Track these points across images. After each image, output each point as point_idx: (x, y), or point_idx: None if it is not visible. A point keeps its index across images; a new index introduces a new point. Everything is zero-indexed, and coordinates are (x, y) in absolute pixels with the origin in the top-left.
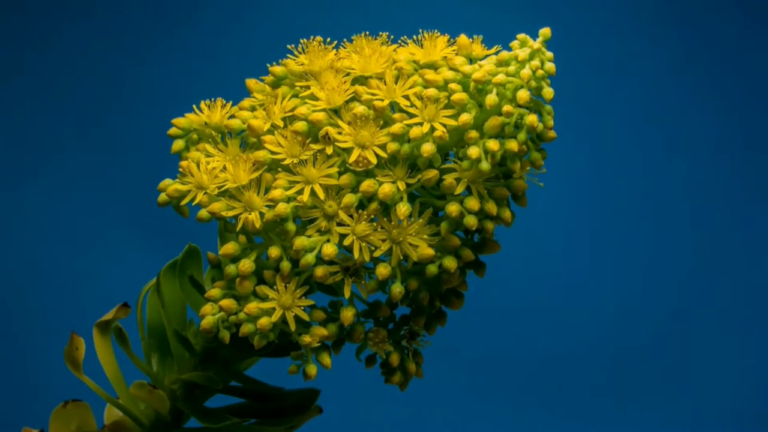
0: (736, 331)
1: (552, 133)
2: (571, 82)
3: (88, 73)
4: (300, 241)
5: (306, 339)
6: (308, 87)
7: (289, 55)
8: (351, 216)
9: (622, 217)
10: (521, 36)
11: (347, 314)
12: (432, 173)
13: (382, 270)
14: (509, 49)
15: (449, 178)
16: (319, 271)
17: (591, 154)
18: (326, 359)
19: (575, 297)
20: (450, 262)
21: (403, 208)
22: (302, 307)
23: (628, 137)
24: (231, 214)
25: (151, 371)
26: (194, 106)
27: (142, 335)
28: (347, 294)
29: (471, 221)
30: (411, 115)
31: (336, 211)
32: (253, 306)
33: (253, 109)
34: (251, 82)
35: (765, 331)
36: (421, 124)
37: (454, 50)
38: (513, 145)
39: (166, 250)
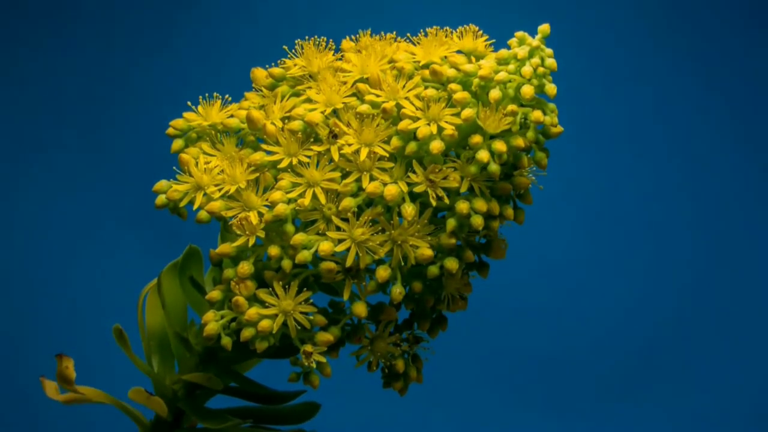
0: (737, 332)
1: (558, 128)
2: (572, 80)
3: (88, 73)
4: (298, 238)
5: (308, 349)
6: (309, 89)
7: (285, 59)
8: (347, 220)
9: (624, 218)
10: (519, 34)
11: (360, 309)
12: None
13: (382, 273)
14: (509, 47)
15: (455, 177)
16: (325, 265)
17: (592, 155)
18: (327, 369)
19: (576, 298)
20: (451, 263)
21: (409, 209)
22: (304, 313)
23: (629, 138)
24: (230, 213)
25: (152, 372)
26: (197, 105)
27: (143, 336)
28: (346, 296)
29: (478, 221)
30: (415, 118)
31: (334, 213)
32: (253, 311)
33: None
34: (258, 72)
35: (766, 331)
36: (428, 124)
37: (455, 49)
38: (519, 141)
39: (166, 251)
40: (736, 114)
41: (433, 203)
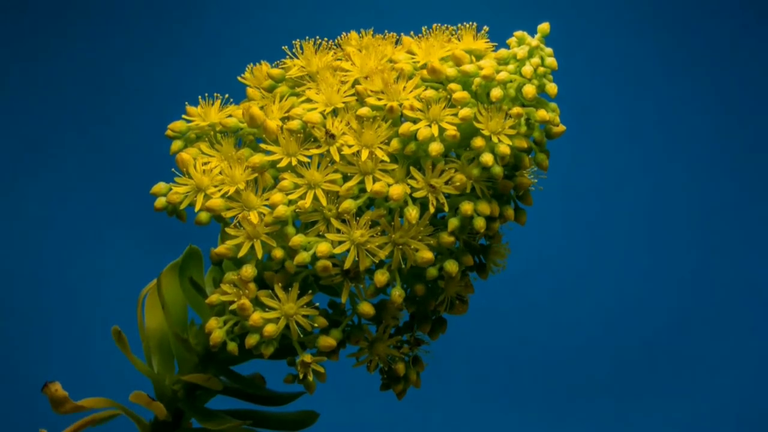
0: (736, 331)
1: (560, 128)
2: (571, 80)
3: (88, 72)
4: (297, 239)
5: (307, 359)
6: (308, 89)
7: (285, 60)
8: (346, 222)
9: (623, 217)
10: (518, 33)
11: (366, 308)
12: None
13: (380, 277)
14: (508, 47)
15: (460, 177)
16: (320, 263)
17: (591, 155)
18: (323, 377)
19: (575, 297)
20: (451, 266)
21: (412, 212)
22: (306, 316)
23: (628, 137)
24: (230, 214)
25: (152, 372)
26: (196, 106)
27: (143, 336)
28: (344, 298)
29: (480, 223)
30: (416, 119)
31: (334, 215)
32: (257, 317)
33: None
34: (257, 72)
35: (765, 331)
36: (429, 125)
37: (454, 50)
38: (522, 143)
39: (166, 251)
40: (736, 114)
41: (431, 209)
